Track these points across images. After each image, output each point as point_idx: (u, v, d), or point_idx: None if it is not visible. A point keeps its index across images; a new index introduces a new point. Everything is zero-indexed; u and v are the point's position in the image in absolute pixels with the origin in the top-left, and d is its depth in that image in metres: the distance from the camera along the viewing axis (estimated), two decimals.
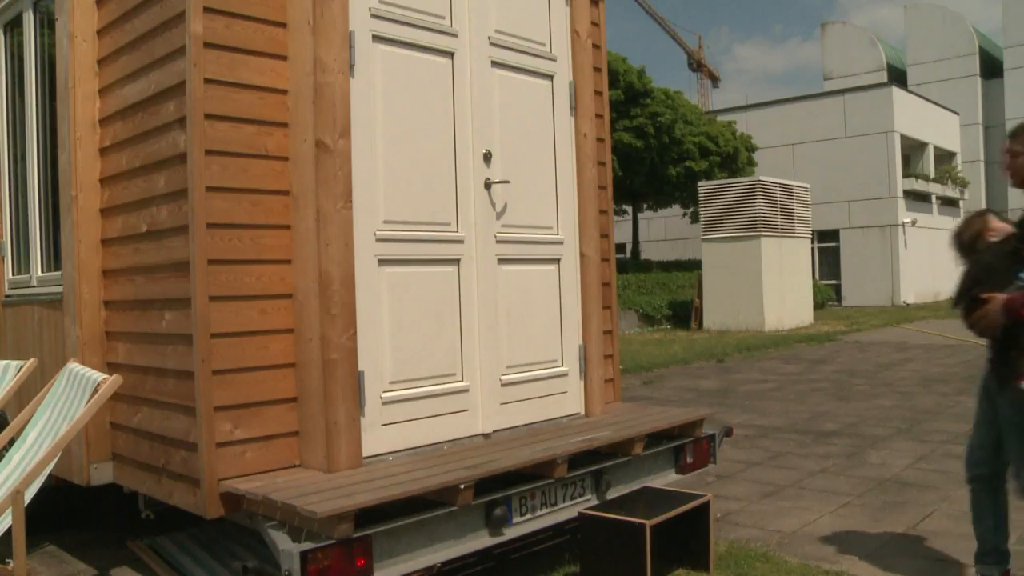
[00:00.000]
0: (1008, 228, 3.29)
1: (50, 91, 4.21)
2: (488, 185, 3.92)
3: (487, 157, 3.91)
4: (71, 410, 3.45)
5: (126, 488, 3.78)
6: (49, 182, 4.34)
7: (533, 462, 3.38)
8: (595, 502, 3.65)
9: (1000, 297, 3.09)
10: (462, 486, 3.03)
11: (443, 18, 3.78)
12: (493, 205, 3.95)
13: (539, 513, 3.44)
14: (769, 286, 18.38)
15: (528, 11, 4.18)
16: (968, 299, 3.25)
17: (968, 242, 3.36)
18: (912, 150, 32.31)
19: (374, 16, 3.50)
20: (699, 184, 20.02)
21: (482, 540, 3.22)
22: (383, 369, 3.48)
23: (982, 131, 36.78)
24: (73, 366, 3.68)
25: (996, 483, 3.41)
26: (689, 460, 4.17)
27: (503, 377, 3.95)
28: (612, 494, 3.75)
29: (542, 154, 4.21)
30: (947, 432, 6.77)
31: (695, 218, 25.70)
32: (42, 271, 4.44)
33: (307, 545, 2.67)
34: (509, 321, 3.99)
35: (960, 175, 35.06)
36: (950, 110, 35.01)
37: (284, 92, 3.41)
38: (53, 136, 4.14)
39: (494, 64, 3.99)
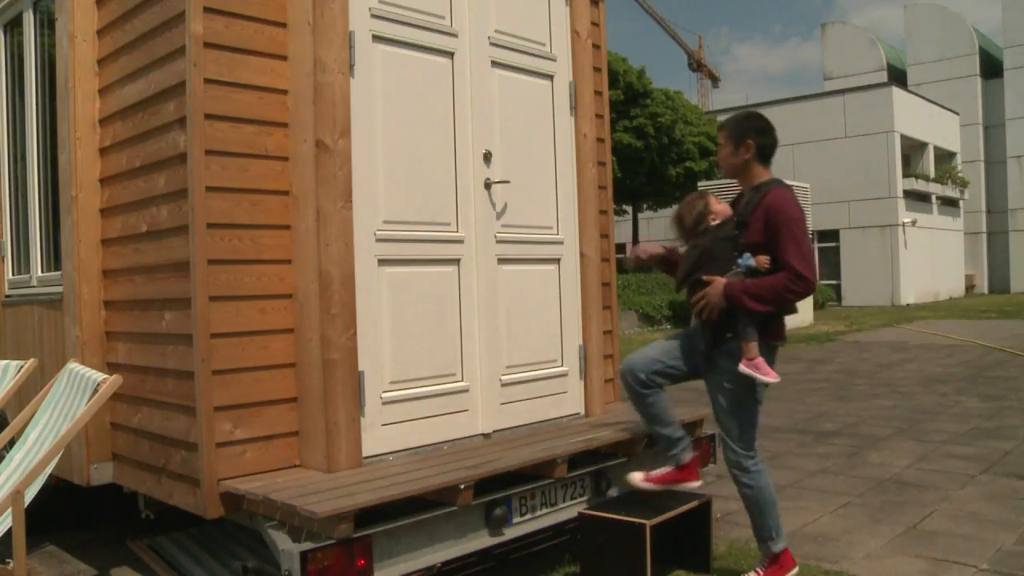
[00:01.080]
0: (727, 210, 3.45)
1: (50, 91, 4.21)
2: (488, 185, 3.92)
3: (487, 157, 3.91)
4: (71, 410, 3.45)
5: (126, 488, 3.78)
6: (49, 182, 4.34)
7: (533, 462, 3.38)
8: (595, 502, 3.66)
9: (720, 281, 3.27)
10: (462, 486, 3.03)
11: (443, 18, 3.78)
12: (493, 205, 3.95)
13: (539, 513, 3.44)
14: None
15: (528, 11, 4.18)
16: (691, 282, 3.40)
17: (691, 226, 3.48)
18: (912, 150, 32.30)
19: (374, 16, 3.50)
20: (699, 184, 20.02)
21: (482, 540, 3.22)
22: (383, 369, 3.48)
23: (982, 131, 36.73)
24: (73, 366, 3.68)
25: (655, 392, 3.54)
26: None
27: (503, 377, 3.95)
28: (612, 494, 3.75)
29: (542, 154, 4.21)
30: (947, 432, 6.77)
31: None
32: (42, 271, 4.44)
33: (307, 545, 2.68)
34: (509, 321, 3.99)
35: (960, 175, 35.03)
36: (950, 110, 34.99)
37: (284, 92, 3.41)
38: (53, 136, 4.14)
39: (494, 64, 3.99)
